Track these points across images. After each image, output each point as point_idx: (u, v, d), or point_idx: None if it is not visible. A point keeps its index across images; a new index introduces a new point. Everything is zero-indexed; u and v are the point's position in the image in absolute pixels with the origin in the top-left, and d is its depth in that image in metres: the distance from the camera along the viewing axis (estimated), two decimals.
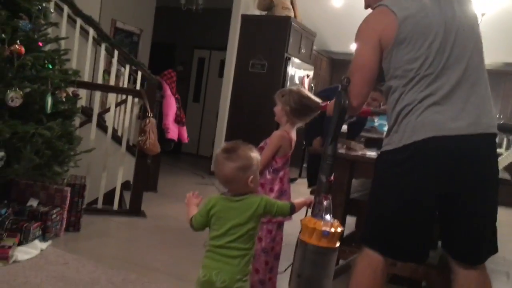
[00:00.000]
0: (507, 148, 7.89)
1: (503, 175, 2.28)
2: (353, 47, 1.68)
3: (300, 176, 7.27)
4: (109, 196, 3.57)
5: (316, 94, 2.33)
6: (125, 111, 3.88)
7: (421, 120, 1.41)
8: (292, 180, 6.91)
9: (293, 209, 1.58)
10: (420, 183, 1.42)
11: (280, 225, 2.14)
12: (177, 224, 3.46)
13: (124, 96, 3.93)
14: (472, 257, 1.50)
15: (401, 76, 1.46)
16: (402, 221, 1.46)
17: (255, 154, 1.58)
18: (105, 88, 3.86)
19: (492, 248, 1.51)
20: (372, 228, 1.55)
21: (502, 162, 2.26)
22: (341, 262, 2.80)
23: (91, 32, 3.83)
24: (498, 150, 8.09)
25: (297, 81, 6.46)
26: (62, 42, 3.26)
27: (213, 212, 1.54)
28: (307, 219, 1.54)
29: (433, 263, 2.42)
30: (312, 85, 7.28)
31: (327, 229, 1.48)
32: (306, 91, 2.22)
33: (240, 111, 6.33)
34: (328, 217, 1.54)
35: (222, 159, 1.52)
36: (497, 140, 1.53)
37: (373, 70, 1.53)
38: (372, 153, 2.53)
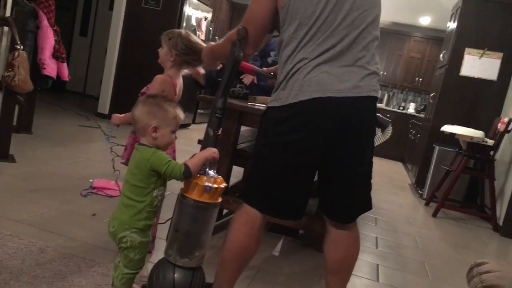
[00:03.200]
0: (387, 105, 8.56)
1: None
2: None
3: (193, 122, 7.15)
4: None
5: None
6: None
7: (309, 79, 1.37)
8: (186, 126, 6.77)
9: (187, 174, 1.43)
10: (302, 143, 1.40)
11: None
12: (51, 170, 3.17)
13: None
14: (344, 217, 1.55)
15: (296, 30, 1.40)
16: (281, 180, 1.45)
17: (174, 110, 1.51)
18: None
19: (365, 207, 1.57)
20: (253, 185, 1.53)
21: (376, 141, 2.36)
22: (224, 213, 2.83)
23: None
24: (379, 105, 8.64)
25: (194, 23, 6.17)
26: None
27: None
28: None
29: (311, 211, 2.53)
30: (210, 28, 7.03)
31: (210, 184, 1.45)
32: (195, 36, 2.07)
33: (132, 49, 5.92)
34: (212, 172, 1.51)
35: (138, 101, 1.53)
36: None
37: (267, 23, 1.50)
38: (260, 105, 2.51)
